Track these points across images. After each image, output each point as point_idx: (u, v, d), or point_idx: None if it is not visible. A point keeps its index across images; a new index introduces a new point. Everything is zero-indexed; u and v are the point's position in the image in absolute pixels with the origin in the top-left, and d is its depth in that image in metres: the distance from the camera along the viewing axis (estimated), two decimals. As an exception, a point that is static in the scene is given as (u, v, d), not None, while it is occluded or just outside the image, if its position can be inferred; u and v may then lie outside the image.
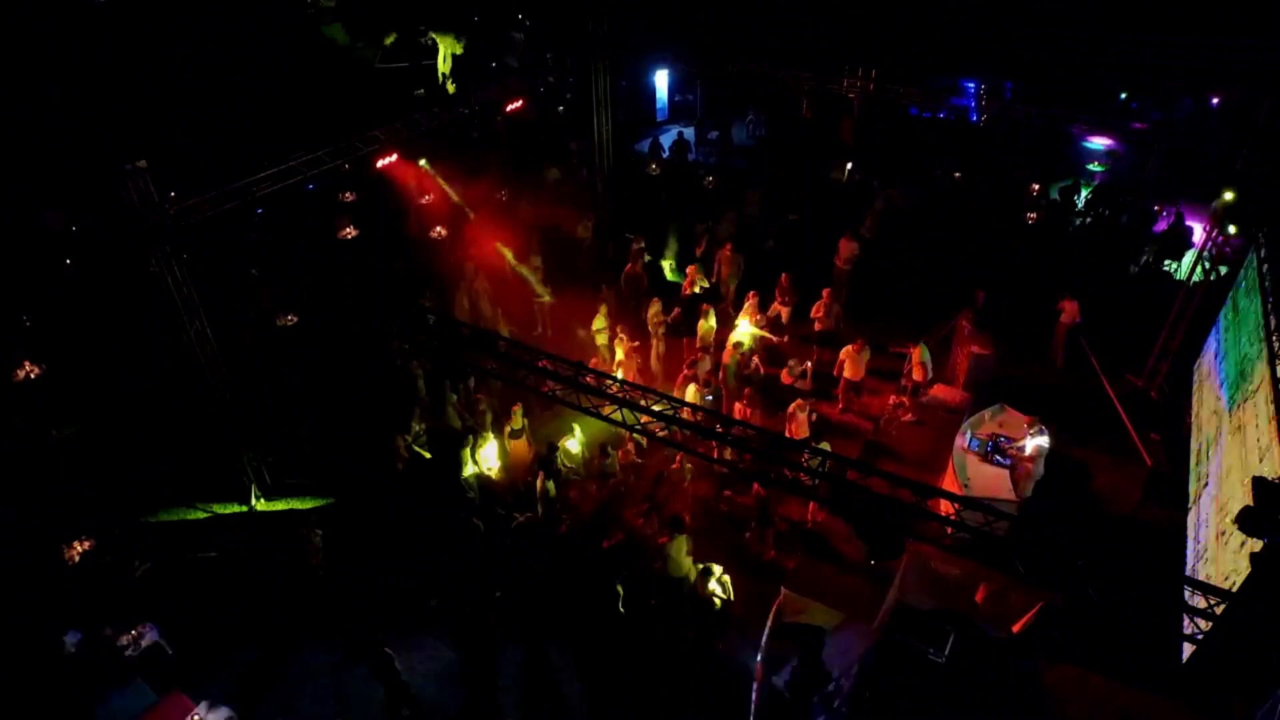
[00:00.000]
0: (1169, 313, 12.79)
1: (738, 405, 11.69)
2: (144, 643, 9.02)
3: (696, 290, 14.11)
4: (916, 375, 12.15)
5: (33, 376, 12.93)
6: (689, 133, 23.92)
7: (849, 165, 20.52)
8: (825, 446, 10.03)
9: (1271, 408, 7.91)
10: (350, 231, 17.42)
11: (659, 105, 25.63)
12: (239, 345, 13.34)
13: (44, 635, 8.35)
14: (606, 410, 7.00)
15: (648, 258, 16.01)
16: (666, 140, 23.31)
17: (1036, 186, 19.10)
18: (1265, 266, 9.17)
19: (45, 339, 13.39)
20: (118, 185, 8.75)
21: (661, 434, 7.07)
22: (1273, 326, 8.44)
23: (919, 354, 12.09)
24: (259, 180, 10.21)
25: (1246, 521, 5.59)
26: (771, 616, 9.15)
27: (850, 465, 5.64)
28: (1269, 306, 8.68)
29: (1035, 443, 9.85)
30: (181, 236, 9.15)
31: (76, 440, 12.07)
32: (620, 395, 6.95)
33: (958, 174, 20.35)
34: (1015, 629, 9.29)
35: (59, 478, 11.31)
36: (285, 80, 16.94)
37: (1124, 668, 8.37)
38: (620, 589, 9.51)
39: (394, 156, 12.41)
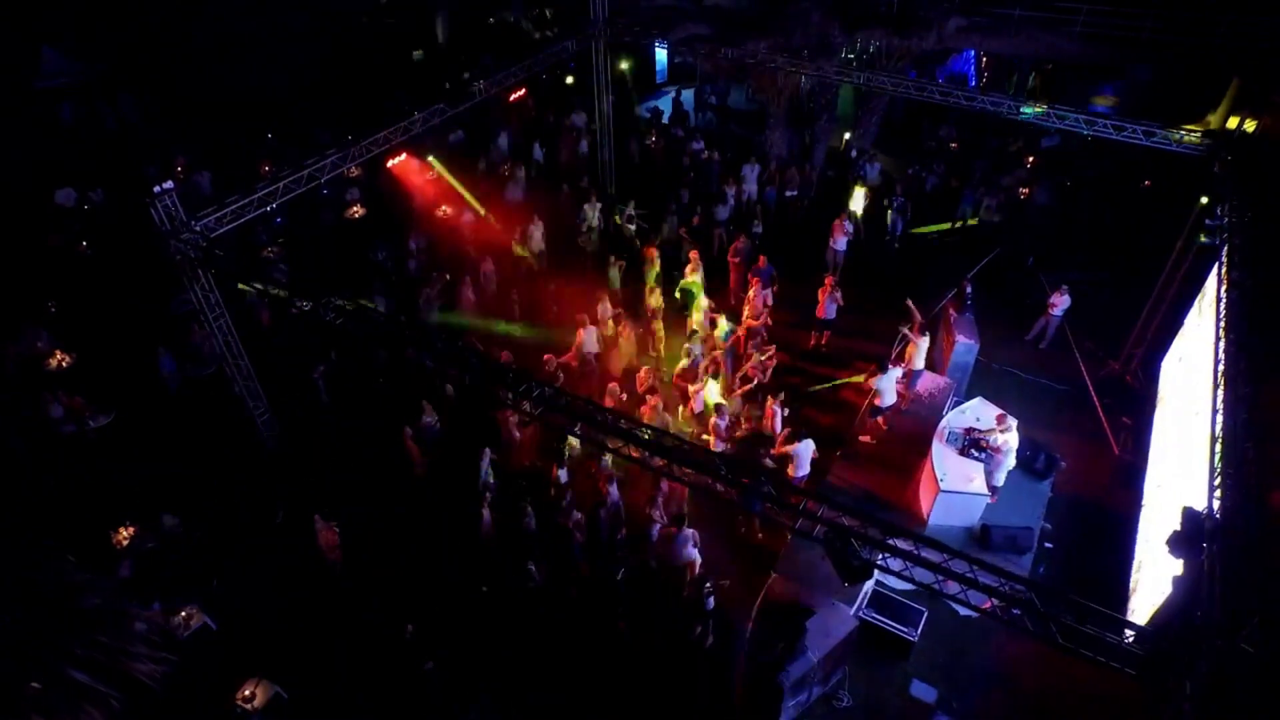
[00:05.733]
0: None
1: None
2: (193, 624, 9.92)
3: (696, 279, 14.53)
4: (876, 400, 11.81)
5: (64, 365, 13.61)
6: (688, 96, 23.91)
7: (847, 135, 20.70)
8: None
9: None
10: (358, 210, 17.82)
11: (659, 67, 25.58)
12: (258, 332, 13.94)
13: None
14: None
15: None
16: (667, 106, 23.37)
17: (1031, 158, 19.41)
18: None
19: (71, 327, 14.00)
20: (149, 207, 9.24)
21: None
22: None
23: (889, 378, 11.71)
24: (275, 188, 10.61)
25: (1174, 545, 6.36)
26: (760, 599, 10.05)
27: (814, 499, 6.30)
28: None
29: (1005, 438, 10.57)
30: (209, 251, 9.64)
31: (111, 430, 12.73)
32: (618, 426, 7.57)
33: (954, 144, 20.65)
34: (984, 607, 10.21)
35: (98, 466, 12.02)
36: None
37: (1082, 645, 9.29)
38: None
39: (403, 156, 12.69)
